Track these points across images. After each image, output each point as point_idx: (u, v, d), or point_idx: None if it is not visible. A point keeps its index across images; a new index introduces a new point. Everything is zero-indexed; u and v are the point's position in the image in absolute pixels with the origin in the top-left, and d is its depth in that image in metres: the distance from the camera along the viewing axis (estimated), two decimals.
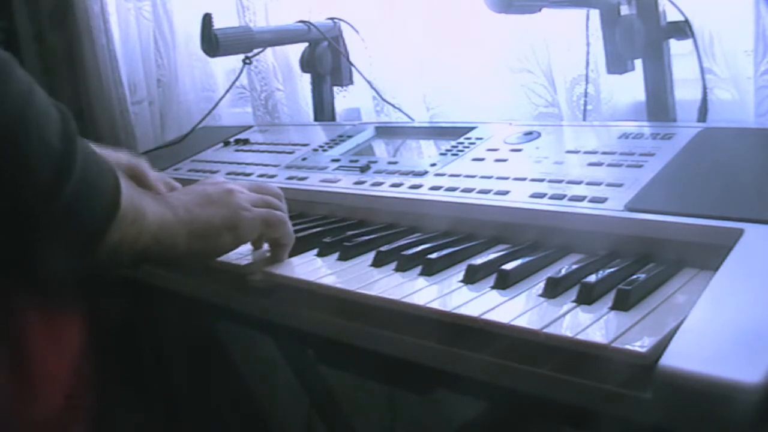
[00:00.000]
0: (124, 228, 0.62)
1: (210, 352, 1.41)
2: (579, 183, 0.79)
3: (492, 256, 0.71)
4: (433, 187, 0.88)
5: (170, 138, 1.60)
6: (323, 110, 1.38)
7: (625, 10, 0.95)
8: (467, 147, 0.97)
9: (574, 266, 0.65)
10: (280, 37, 1.34)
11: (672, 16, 0.96)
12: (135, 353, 1.25)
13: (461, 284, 0.67)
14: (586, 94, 1.08)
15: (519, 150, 0.92)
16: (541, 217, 0.76)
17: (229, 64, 1.60)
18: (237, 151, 1.28)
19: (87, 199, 0.59)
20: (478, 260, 0.69)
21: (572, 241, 0.74)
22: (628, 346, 0.51)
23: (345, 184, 0.97)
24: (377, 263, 0.74)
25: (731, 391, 0.43)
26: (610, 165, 0.81)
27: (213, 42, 1.19)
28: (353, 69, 1.36)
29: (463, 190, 0.84)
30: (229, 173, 1.16)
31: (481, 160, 0.92)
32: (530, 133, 0.96)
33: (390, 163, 1.00)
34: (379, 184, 0.93)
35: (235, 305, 0.82)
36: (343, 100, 1.44)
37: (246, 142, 1.30)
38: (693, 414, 0.46)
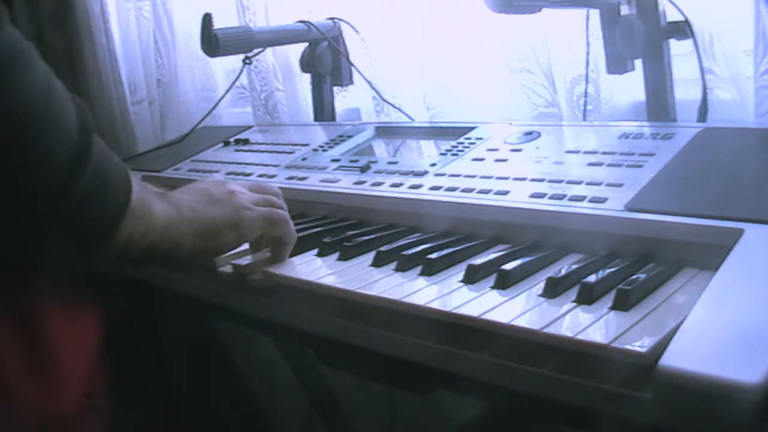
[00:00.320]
0: (133, 224, 0.63)
1: (210, 352, 1.41)
2: (579, 183, 0.79)
3: (492, 256, 0.71)
4: (433, 187, 0.88)
5: (170, 138, 1.60)
6: (323, 110, 1.38)
7: (625, 10, 0.95)
8: (467, 147, 0.97)
9: (574, 266, 0.65)
10: (280, 37, 1.34)
11: (672, 16, 0.96)
12: (135, 353, 1.25)
13: (461, 284, 0.67)
14: (586, 94, 1.08)
15: (519, 150, 0.92)
16: (541, 217, 0.76)
17: (229, 64, 1.60)
18: (237, 151, 1.28)
19: (100, 192, 0.59)
20: (478, 260, 0.69)
21: (572, 241, 0.74)
22: (628, 346, 0.51)
23: (345, 184, 0.97)
24: (377, 263, 0.74)
25: (731, 391, 0.43)
26: (610, 165, 0.81)
27: (213, 42, 1.19)
28: (353, 69, 1.36)
29: (463, 190, 0.84)
30: (229, 173, 1.16)
31: (481, 160, 0.92)
32: (530, 133, 0.96)
33: (390, 163, 1.00)
34: (379, 184, 0.93)
35: (235, 305, 0.82)
36: (343, 100, 1.44)
37: (246, 142, 1.30)
38: (693, 414, 0.46)
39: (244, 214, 0.75)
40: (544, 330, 0.54)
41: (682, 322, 0.51)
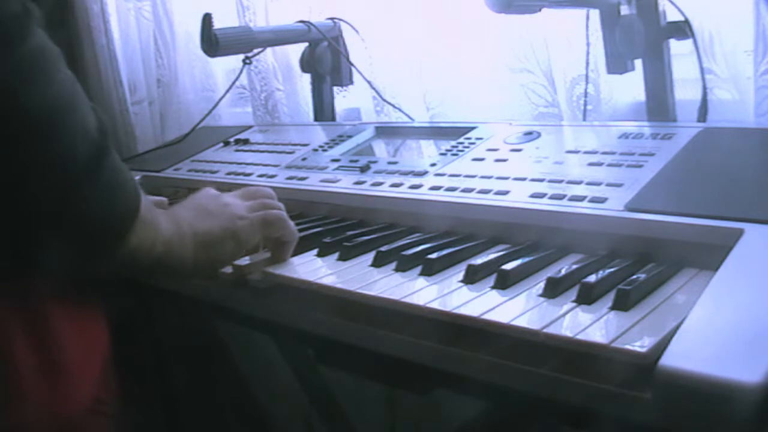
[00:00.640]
0: (143, 233, 0.64)
1: (210, 352, 1.41)
2: (579, 183, 0.79)
3: (492, 256, 0.71)
4: (433, 187, 0.88)
5: (170, 138, 1.60)
6: (323, 110, 1.38)
7: (625, 10, 0.95)
8: (467, 147, 0.97)
9: (574, 266, 0.65)
10: (280, 37, 1.34)
11: (672, 16, 0.96)
12: (135, 353, 1.25)
13: (461, 284, 0.67)
14: (586, 94, 1.08)
15: (519, 150, 0.92)
16: (541, 217, 0.76)
17: (229, 64, 1.60)
18: (237, 151, 1.27)
19: (113, 195, 0.61)
20: (478, 260, 0.69)
21: (572, 241, 0.74)
22: (628, 346, 0.51)
23: (345, 184, 0.97)
24: (377, 263, 0.74)
25: (731, 391, 0.43)
26: (610, 165, 0.81)
27: (213, 42, 1.19)
28: (353, 69, 1.36)
29: (463, 190, 0.84)
30: (229, 173, 1.16)
31: (481, 160, 0.92)
32: (530, 133, 0.96)
33: (390, 163, 1.00)
34: (379, 184, 0.93)
35: (235, 305, 0.82)
36: (343, 100, 1.44)
37: (246, 142, 1.30)
38: (693, 414, 0.45)
39: (240, 223, 0.76)
40: (544, 330, 0.55)
41: (682, 322, 0.51)
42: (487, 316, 0.58)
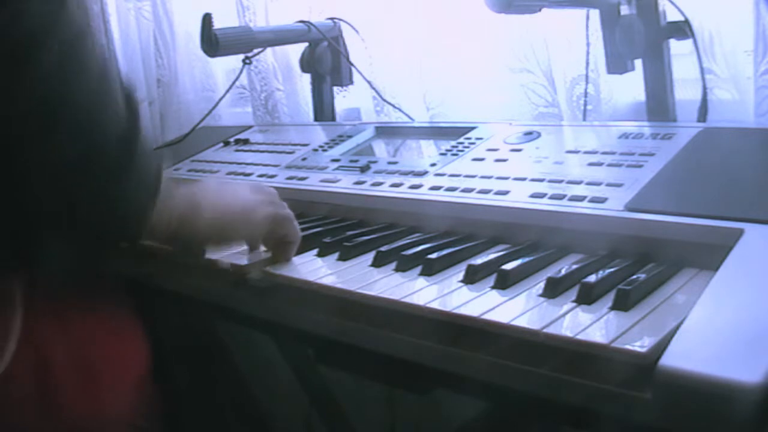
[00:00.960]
0: (161, 204, 0.66)
1: (210, 352, 1.41)
2: (579, 183, 0.79)
3: (492, 256, 0.71)
4: (433, 187, 0.88)
5: (170, 138, 1.60)
6: (323, 110, 1.38)
7: (625, 10, 0.95)
8: (467, 147, 0.97)
9: (574, 266, 0.65)
10: (280, 37, 1.34)
11: (672, 16, 0.96)
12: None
13: (461, 284, 0.67)
14: (586, 94, 1.08)
15: (519, 150, 0.92)
16: (541, 217, 0.76)
17: (229, 64, 1.60)
18: (237, 151, 1.27)
19: (148, 163, 0.64)
20: (478, 260, 0.69)
21: (572, 241, 0.74)
22: (628, 346, 0.51)
23: (345, 184, 0.97)
24: (377, 263, 0.74)
25: (731, 391, 0.43)
26: (610, 165, 0.81)
27: (213, 42, 1.19)
28: (353, 69, 1.35)
29: (463, 190, 0.84)
30: (229, 173, 1.16)
31: (481, 160, 0.92)
32: (530, 133, 0.96)
33: (390, 163, 1.00)
34: (379, 184, 0.93)
35: (235, 305, 0.82)
36: (343, 100, 1.44)
37: (246, 142, 1.30)
38: (693, 414, 0.45)
39: (254, 213, 0.78)
40: (544, 330, 0.54)
41: (682, 322, 0.51)
42: (487, 316, 0.58)
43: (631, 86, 1.05)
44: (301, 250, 0.81)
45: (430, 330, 0.61)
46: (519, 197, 0.79)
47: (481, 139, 0.99)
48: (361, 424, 1.41)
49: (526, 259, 0.69)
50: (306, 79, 1.43)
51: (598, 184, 0.77)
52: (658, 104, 0.97)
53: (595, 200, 0.74)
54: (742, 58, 0.97)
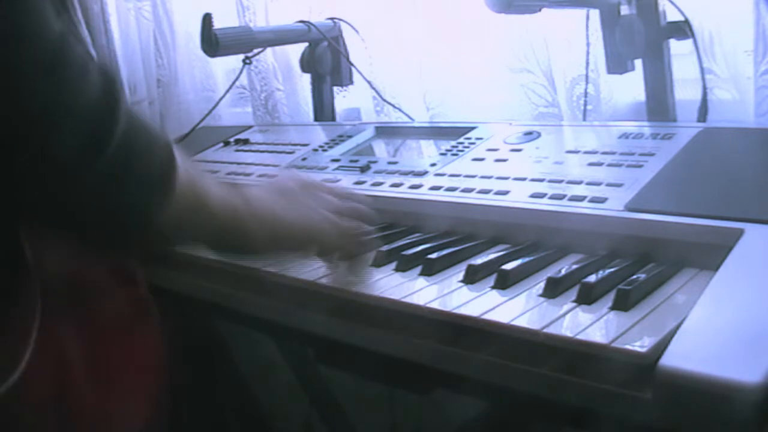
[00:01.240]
0: (182, 215, 0.56)
1: (210, 352, 1.41)
2: (579, 183, 0.79)
3: (492, 256, 0.71)
4: (433, 187, 0.88)
5: (170, 138, 1.60)
6: (323, 110, 1.38)
7: (625, 10, 0.95)
8: (467, 147, 0.97)
9: (574, 266, 0.65)
10: (280, 37, 1.34)
11: (672, 16, 0.96)
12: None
13: (461, 284, 0.67)
14: (586, 94, 1.08)
15: (519, 150, 0.92)
16: (541, 217, 0.76)
17: (229, 64, 1.60)
18: (237, 151, 1.27)
19: (128, 171, 0.52)
20: (478, 260, 0.69)
21: (572, 241, 0.74)
22: (628, 346, 0.51)
23: (345, 184, 0.97)
24: (377, 263, 0.74)
25: (731, 391, 0.43)
26: (610, 165, 0.81)
27: (213, 42, 1.19)
28: (353, 69, 1.35)
29: (463, 190, 0.84)
30: (229, 173, 1.15)
31: (481, 160, 0.92)
32: (530, 133, 0.96)
33: (390, 163, 1.00)
34: (379, 184, 0.93)
35: (235, 305, 0.82)
36: (343, 100, 1.43)
37: (246, 142, 1.30)
38: (693, 414, 0.46)
39: (325, 231, 0.68)
40: (544, 330, 0.55)
41: (682, 322, 0.51)
42: (487, 316, 0.58)
43: (631, 86, 1.05)
44: None
45: (430, 330, 0.61)
46: (519, 197, 0.79)
47: (481, 139, 0.99)
48: (361, 424, 1.42)
49: (526, 259, 0.69)
50: (306, 79, 1.43)
51: (598, 184, 0.77)
52: (658, 104, 0.97)
53: (595, 200, 0.74)
54: (742, 58, 0.97)
